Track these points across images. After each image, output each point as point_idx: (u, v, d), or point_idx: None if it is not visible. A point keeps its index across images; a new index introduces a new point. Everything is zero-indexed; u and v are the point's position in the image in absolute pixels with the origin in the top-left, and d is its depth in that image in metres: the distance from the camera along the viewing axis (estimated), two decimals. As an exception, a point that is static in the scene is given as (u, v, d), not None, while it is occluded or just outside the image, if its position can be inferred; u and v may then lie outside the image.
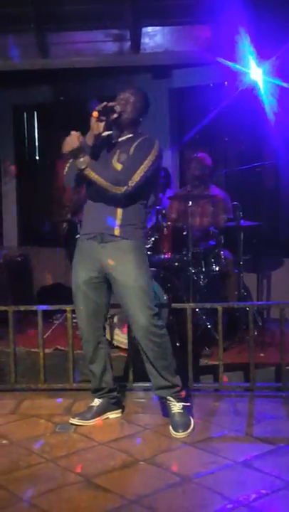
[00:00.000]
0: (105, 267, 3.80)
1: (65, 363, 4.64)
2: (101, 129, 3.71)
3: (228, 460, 3.43)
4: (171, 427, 3.78)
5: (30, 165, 8.59)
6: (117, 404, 4.11)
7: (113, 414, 4.06)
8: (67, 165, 3.82)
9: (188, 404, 3.92)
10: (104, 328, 4.07)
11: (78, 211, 6.09)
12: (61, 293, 6.94)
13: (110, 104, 3.71)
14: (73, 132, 3.63)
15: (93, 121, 3.69)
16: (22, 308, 4.83)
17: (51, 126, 8.25)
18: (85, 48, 5.83)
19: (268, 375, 4.87)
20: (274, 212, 7.05)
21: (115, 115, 3.72)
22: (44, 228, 8.13)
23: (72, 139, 3.62)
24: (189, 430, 3.77)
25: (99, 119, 3.68)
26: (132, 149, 3.75)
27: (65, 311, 4.73)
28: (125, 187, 3.65)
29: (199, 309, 5.38)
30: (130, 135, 3.84)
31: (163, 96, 7.27)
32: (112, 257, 3.76)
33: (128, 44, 5.74)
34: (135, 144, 3.77)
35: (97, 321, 3.93)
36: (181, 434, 3.74)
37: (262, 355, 5.21)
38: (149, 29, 5.73)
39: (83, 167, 3.63)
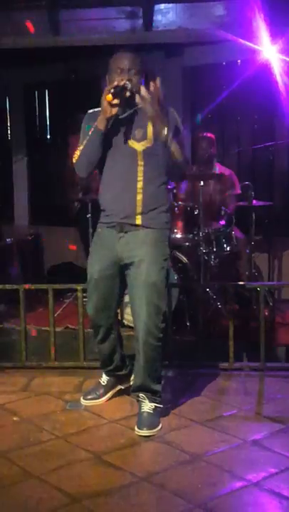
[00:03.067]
0: (120, 259, 3.61)
1: (75, 342, 4.65)
2: (114, 112, 3.42)
3: (238, 439, 3.44)
4: (136, 426, 3.56)
5: (41, 143, 8.57)
6: (126, 378, 4.06)
7: (124, 385, 4.03)
8: (78, 152, 3.57)
9: (160, 406, 3.68)
10: (116, 315, 3.96)
11: (90, 190, 6.08)
12: (72, 272, 6.97)
13: (122, 83, 3.40)
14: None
15: (105, 103, 3.39)
16: (33, 286, 4.84)
17: (62, 105, 8.22)
18: (97, 26, 5.78)
19: (278, 355, 4.87)
20: (286, 192, 7.01)
21: (128, 93, 3.41)
22: (55, 207, 8.12)
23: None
24: (155, 430, 3.53)
25: (112, 102, 3.38)
26: (151, 120, 3.45)
27: (75, 290, 4.73)
28: (188, 163, 3.53)
29: (210, 289, 5.37)
30: (136, 107, 3.53)
31: (176, 74, 7.21)
32: (128, 248, 3.57)
33: (140, 21, 5.69)
34: (154, 115, 3.42)
35: (107, 311, 3.77)
36: (144, 432, 3.50)
37: (272, 335, 5.21)
38: (162, 6, 5.68)
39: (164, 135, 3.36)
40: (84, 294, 4.73)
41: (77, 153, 3.59)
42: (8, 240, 6.87)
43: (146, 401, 3.64)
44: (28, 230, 7.93)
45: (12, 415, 3.84)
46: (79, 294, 4.61)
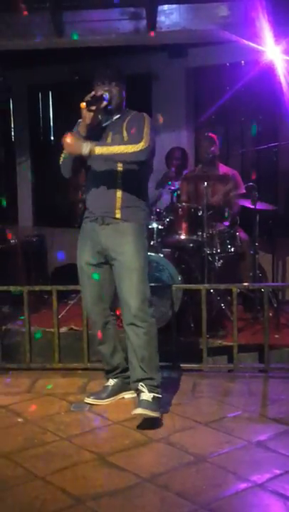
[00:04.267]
0: (105, 249, 3.81)
1: (79, 343, 4.65)
2: (89, 118, 3.69)
3: (242, 440, 3.43)
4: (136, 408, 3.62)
5: (45, 145, 8.57)
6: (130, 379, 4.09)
7: (128, 395, 4.06)
8: (62, 156, 3.83)
9: (159, 396, 3.71)
10: (112, 309, 4.04)
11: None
12: (76, 273, 6.94)
13: (99, 93, 3.72)
14: (67, 139, 3.64)
15: (84, 111, 3.67)
16: (37, 288, 4.84)
17: (66, 106, 8.21)
18: (100, 27, 5.78)
19: (283, 356, 4.87)
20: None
21: (104, 103, 3.72)
22: (59, 209, 8.12)
23: (69, 145, 3.63)
24: (151, 414, 3.58)
25: (88, 109, 3.66)
26: (124, 125, 3.78)
27: (79, 291, 4.73)
28: (142, 142, 3.61)
29: (214, 290, 5.37)
30: (118, 115, 3.85)
31: (179, 75, 7.21)
32: (111, 239, 3.78)
33: (144, 22, 5.69)
34: (126, 121, 3.79)
35: (102, 303, 3.94)
36: (139, 410, 3.57)
37: (276, 336, 5.21)
38: (166, 7, 5.67)
39: (87, 151, 3.58)
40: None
41: (61, 156, 3.84)
42: (12, 241, 6.87)
43: (146, 390, 3.68)
44: (32, 231, 7.93)
45: (16, 416, 3.85)
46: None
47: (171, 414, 3.82)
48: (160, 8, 5.65)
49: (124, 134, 3.77)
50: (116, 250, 3.77)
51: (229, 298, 5.24)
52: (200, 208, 5.59)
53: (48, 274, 7.43)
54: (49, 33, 5.80)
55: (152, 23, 5.66)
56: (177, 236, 5.64)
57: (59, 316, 4.74)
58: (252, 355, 4.88)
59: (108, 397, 4.00)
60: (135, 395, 3.99)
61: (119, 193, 3.76)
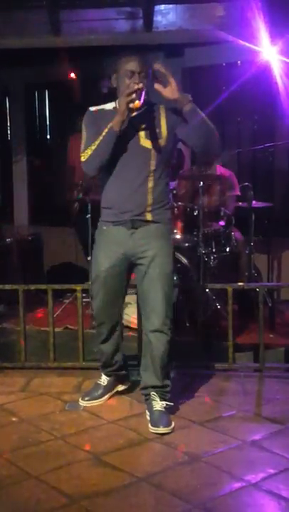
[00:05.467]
0: (133, 254, 3.64)
1: (74, 342, 4.65)
2: (132, 114, 3.49)
3: (237, 439, 3.44)
4: (150, 423, 3.57)
5: (41, 143, 8.57)
6: (126, 378, 4.08)
7: (121, 387, 4.05)
8: (93, 146, 3.52)
9: (171, 403, 3.70)
10: (120, 313, 3.98)
11: (90, 190, 6.08)
12: (71, 272, 6.96)
13: (140, 86, 3.43)
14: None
15: (124, 107, 3.41)
16: (32, 287, 4.84)
17: (63, 105, 8.22)
18: (97, 26, 5.79)
19: (278, 356, 4.87)
20: (286, 193, 7.01)
21: (144, 96, 3.44)
22: (55, 207, 8.12)
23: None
24: (170, 428, 3.53)
25: (132, 105, 3.40)
26: (163, 120, 3.57)
27: (75, 290, 4.73)
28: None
29: (209, 290, 5.37)
30: (144, 106, 3.54)
31: (175, 75, 7.06)
32: (141, 242, 3.61)
33: (141, 22, 5.70)
34: (163, 113, 3.58)
35: (114, 307, 3.81)
36: (161, 429, 3.51)
37: (271, 336, 5.22)
38: (162, 7, 5.68)
39: (188, 101, 3.42)
40: (84, 295, 4.75)
41: (88, 152, 3.56)
42: (7, 240, 6.86)
43: (158, 399, 3.64)
44: (27, 230, 7.93)
45: (11, 416, 3.84)
46: (78, 295, 4.61)
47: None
48: (157, 7, 5.67)
49: (164, 128, 3.56)
50: (147, 255, 3.61)
51: (224, 298, 5.25)
52: (196, 207, 5.60)
53: (43, 273, 7.43)
54: (46, 31, 5.80)
55: (149, 23, 5.67)
56: (173, 235, 5.62)
57: (54, 315, 4.73)
58: (247, 354, 4.88)
59: (102, 395, 3.99)
60: (128, 386, 4.02)
61: (150, 194, 3.58)
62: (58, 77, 7.91)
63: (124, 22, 5.78)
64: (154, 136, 3.55)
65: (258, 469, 3.10)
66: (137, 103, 3.41)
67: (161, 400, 3.64)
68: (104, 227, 3.72)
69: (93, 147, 3.54)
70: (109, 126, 3.48)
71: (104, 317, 3.81)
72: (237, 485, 2.96)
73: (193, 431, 3.59)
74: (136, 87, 3.42)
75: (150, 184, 3.58)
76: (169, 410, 3.67)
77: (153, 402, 3.65)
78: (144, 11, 5.63)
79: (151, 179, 3.58)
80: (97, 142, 3.53)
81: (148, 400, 3.69)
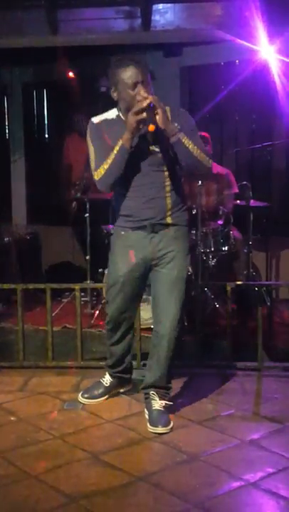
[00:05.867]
0: (152, 258, 3.59)
1: (73, 341, 4.65)
2: (141, 128, 3.38)
3: (236, 439, 3.44)
4: (148, 423, 3.56)
5: (39, 143, 8.57)
6: (128, 381, 4.07)
7: (122, 390, 4.04)
8: (106, 165, 3.44)
9: (170, 403, 3.69)
10: (135, 316, 3.96)
11: (88, 190, 6.08)
12: (70, 271, 6.97)
13: (148, 100, 3.30)
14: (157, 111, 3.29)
15: (133, 123, 3.32)
16: (31, 286, 4.84)
17: (61, 104, 8.21)
18: (95, 25, 5.78)
19: (276, 355, 4.87)
20: (284, 192, 7.02)
21: (151, 109, 3.31)
22: (53, 207, 8.12)
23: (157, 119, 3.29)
24: (169, 427, 3.52)
25: (143, 122, 3.32)
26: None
27: (73, 289, 4.73)
28: (210, 160, 3.51)
29: (208, 289, 5.38)
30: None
31: (174, 74, 7.22)
32: (160, 245, 3.57)
33: (139, 21, 5.69)
34: (168, 115, 3.41)
35: (130, 312, 3.79)
36: (160, 429, 3.50)
37: (270, 334, 5.21)
38: (160, 6, 5.67)
39: (176, 131, 3.33)
40: (82, 294, 4.75)
41: (101, 171, 3.47)
42: (6, 239, 6.86)
43: (157, 398, 3.64)
44: (26, 229, 7.92)
45: (9, 415, 3.84)
46: (77, 294, 4.61)
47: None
48: (155, 7, 5.66)
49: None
50: (166, 257, 3.58)
51: (223, 296, 5.25)
52: (194, 206, 5.60)
53: (42, 272, 7.43)
54: (44, 31, 5.79)
55: (147, 22, 5.67)
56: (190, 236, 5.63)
57: (53, 314, 4.73)
58: (245, 353, 4.88)
59: (102, 395, 3.97)
60: (129, 387, 4.01)
61: (168, 198, 3.54)
62: (56, 77, 7.91)
63: (122, 21, 5.77)
64: (161, 139, 3.44)
65: (257, 468, 3.10)
66: (152, 127, 3.29)
67: (160, 400, 3.65)
68: (123, 232, 3.65)
69: (106, 166, 3.46)
70: (119, 144, 3.40)
71: (121, 321, 3.79)
72: (236, 484, 2.96)
73: (191, 430, 3.59)
74: (145, 104, 3.31)
75: (168, 189, 3.55)
76: (168, 409, 3.67)
77: (152, 401, 3.65)
78: (142, 10, 5.63)
79: (168, 183, 3.55)
80: (109, 161, 3.45)
81: (147, 399, 3.69)
